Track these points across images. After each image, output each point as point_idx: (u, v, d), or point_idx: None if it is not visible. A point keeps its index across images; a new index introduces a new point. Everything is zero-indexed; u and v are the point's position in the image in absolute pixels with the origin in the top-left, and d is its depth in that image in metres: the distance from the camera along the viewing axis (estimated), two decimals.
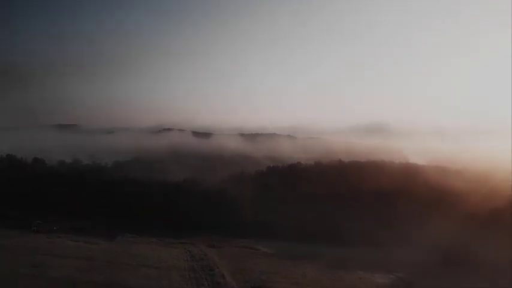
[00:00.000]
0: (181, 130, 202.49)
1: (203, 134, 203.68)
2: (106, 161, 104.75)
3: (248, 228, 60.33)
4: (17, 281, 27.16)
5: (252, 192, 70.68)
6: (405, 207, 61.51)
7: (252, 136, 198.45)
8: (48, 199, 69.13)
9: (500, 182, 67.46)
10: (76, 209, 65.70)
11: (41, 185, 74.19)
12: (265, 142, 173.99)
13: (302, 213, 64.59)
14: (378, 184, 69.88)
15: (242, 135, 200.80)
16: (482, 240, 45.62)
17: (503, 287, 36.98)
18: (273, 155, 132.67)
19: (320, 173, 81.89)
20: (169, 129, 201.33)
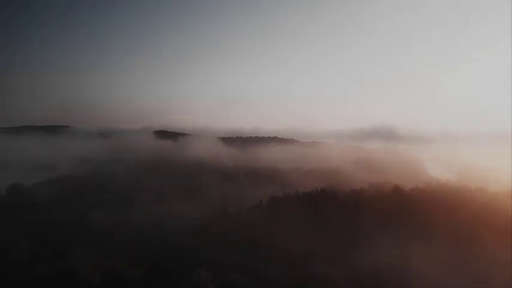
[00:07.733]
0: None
1: (182, 136, 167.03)
2: None
3: None
4: None
5: None
6: None
7: (248, 140, 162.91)
8: None
9: None
10: None
11: None
12: (264, 147, 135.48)
13: None
14: None
15: (239, 138, 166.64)
16: None
17: None
18: (276, 166, 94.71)
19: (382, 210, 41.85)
20: (155, 132, 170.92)
